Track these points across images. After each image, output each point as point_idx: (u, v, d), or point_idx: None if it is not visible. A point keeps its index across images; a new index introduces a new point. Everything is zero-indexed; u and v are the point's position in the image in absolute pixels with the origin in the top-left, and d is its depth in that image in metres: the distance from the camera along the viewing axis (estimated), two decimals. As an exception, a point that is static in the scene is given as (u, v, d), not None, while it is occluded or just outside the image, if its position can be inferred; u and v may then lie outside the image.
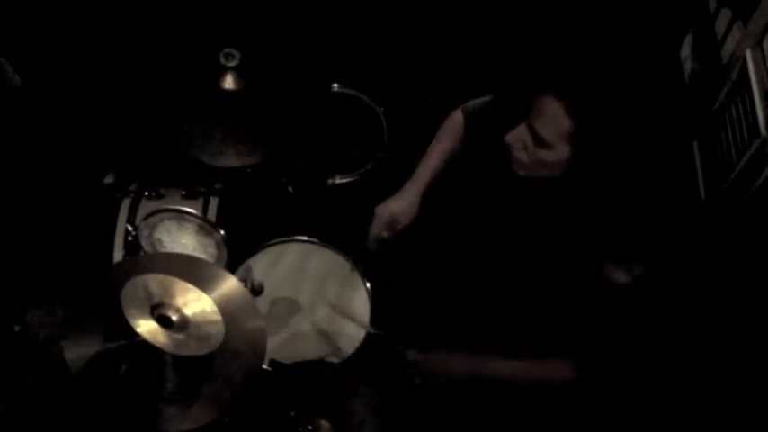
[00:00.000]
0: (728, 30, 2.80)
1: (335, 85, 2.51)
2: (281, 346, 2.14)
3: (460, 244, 2.05)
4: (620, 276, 1.77)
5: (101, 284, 1.77)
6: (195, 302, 1.66)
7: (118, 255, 2.23)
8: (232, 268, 2.15)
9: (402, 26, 3.18)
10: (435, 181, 2.12)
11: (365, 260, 2.24)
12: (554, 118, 1.67)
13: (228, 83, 2.14)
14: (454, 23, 3.22)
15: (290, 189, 2.46)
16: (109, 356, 1.66)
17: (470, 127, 2.10)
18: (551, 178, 1.77)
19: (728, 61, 2.73)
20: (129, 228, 2.20)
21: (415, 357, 2.05)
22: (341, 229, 2.33)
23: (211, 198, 2.34)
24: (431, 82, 3.08)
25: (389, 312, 2.16)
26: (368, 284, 2.22)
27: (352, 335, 2.15)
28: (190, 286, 1.67)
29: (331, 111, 2.45)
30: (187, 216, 2.16)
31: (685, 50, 3.13)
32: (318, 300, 2.21)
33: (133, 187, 2.36)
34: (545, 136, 1.69)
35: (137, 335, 1.56)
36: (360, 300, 2.22)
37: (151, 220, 2.14)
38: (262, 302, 2.08)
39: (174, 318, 1.63)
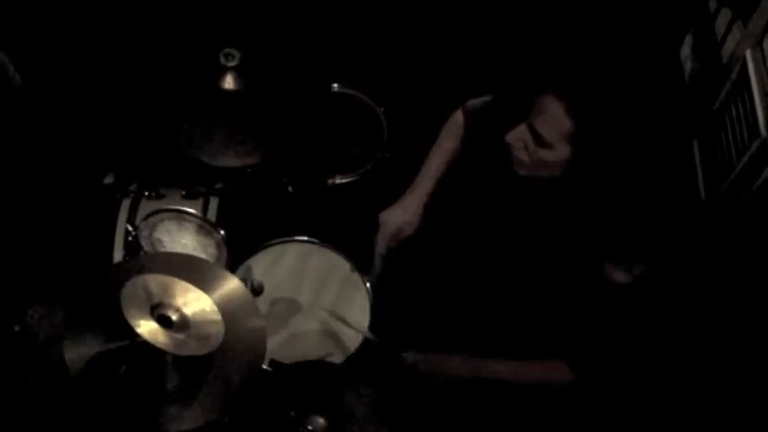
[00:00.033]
0: (728, 30, 2.80)
1: (335, 85, 2.51)
2: (281, 346, 2.14)
3: (461, 244, 2.05)
4: (620, 276, 1.77)
5: (101, 284, 1.77)
6: (195, 302, 1.66)
7: (118, 255, 2.23)
8: (232, 268, 2.14)
9: (402, 26, 3.18)
10: (439, 185, 2.13)
11: (366, 261, 2.24)
12: (554, 118, 1.67)
13: (228, 83, 2.14)
14: (454, 23, 3.22)
15: (290, 189, 2.46)
16: (109, 356, 1.66)
17: (471, 127, 2.10)
18: (551, 178, 1.77)
19: (728, 61, 2.73)
20: (129, 228, 2.20)
21: (415, 359, 2.05)
22: (341, 229, 2.33)
23: (211, 198, 2.34)
24: (431, 82, 3.08)
25: (390, 314, 2.16)
26: (368, 284, 2.22)
27: (352, 335, 2.15)
28: (190, 286, 1.67)
29: (331, 111, 2.45)
30: (187, 216, 2.16)
31: (685, 50, 3.13)
32: (318, 300, 2.21)
33: (133, 187, 2.36)
34: (545, 136, 1.69)
35: (137, 335, 1.56)
36: (360, 300, 2.22)
37: (151, 220, 2.14)
38: (262, 302, 2.08)
39: (174, 318, 1.63)
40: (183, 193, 2.34)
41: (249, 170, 2.31)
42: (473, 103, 2.13)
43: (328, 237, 2.28)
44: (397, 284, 2.20)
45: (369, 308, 2.20)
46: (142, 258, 2.08)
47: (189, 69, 2.19)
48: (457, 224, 2.06)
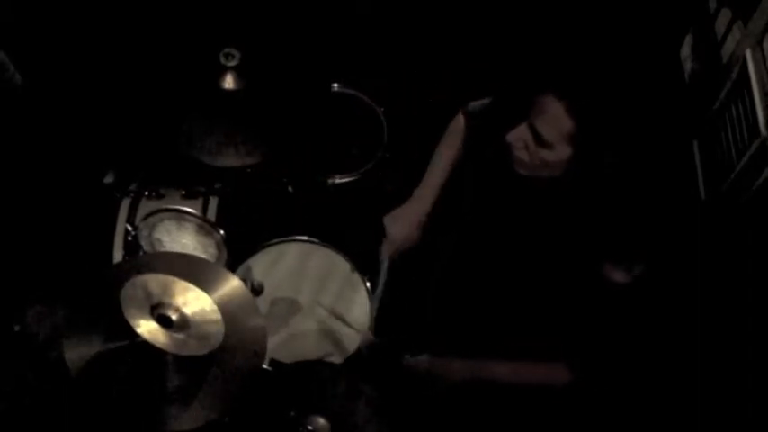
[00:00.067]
0: (728, 30, 2.79)
1: (335, 85, 2.51)
2: (282, 345, 2.14)
3: (461, 244, 2.06)
4: (620, 276, 1.77)
5: (101, 284, 1.77)
6: (195, 302, 1.66)
7: (118, 255, 2.23)
8: (232, 268, 2.14)
9: (402, 26, 3.18)
10: (442, 191, 2.14)
11: (366, 261, 2.25)
12: (555, 118, 1.67)
13: (228, 83, 2.14)
14: (454, 23, 3.22)
15: (290, 189, 2.46)
16: (109, 356, 1.66)
17: (472, 129, 2.10)
18: (552, 178, 1.77)
19: (728, 61, 2.73)
20: (129, 228, 2.20)
21: (415, 362, 2.05)
22: (341, 229, 2.33)
23: (211, 198, 2.34)
24: (431, 82, 3.08)
25: (395, 318, 2.16)
26: (368, 284, 2.22)
27: (351, 335, 2.15)
28: (190, 286, 1.67)
29: (331, 111, 2.45)
30: (187, 216, 2.16)
31: (685, 50, 3.13)
32: (318, 300, 2.21)
33: (133, 187, 2.36)
34: (546, 135, 1.70)
35: (137, 335, 1.56)
36: (360, 300, 2.22)
37: (151, 219, 2.14)
38: (262, 302, 2.08)
39: (174, 317, 1.63)
40: (183, 192, 2.34)
41: (249, 170, 2.31)
42: (473, 105, 2.13)
43: (328, 237, 2.28)
44: (400, 290, 2.20)
45: (369, 308, 2.20)
46: (142, 258, 2.08)
47: (189, 69, 2.18)
48: (457, 226, 2.06)
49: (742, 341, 2.35)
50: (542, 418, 2.03)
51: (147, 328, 1.57)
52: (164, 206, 2.17)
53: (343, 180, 2.40)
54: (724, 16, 2.85)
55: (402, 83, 3.00)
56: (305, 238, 2.28)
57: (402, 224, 2.13)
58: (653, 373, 2.34)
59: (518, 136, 1.75)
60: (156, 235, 2.16)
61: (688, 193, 2.86)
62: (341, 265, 2.26)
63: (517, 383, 1.94)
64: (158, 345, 1.57)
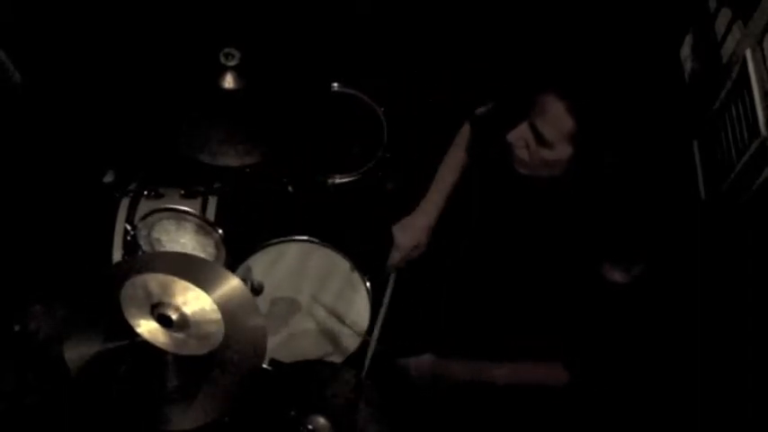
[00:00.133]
0: (728, 30, 2.79)
1: (335, 84, 2.51)
2: (282, 345, 2.14)
3: (469, 249, 2.06)
4: (620, 276, 1.77)
5: (100, 284, 1.77)
6: (195, 301, 1.66)
7: (117, 254, 2.23)
8: (231, 268, 2.14)
9: (402, 26, 3.18)
10: (449, 200, 2.14)
11: (366, 261, 2.25)
12: (556, 117, 1.67)
13: (228, 82, 2.14)
14: (454, 23, 3.22)
15: (289, 189, 2.46)
16: (109, 356, 1.66)
17: (477, 134, 2.11)
18: (552, 177, 1.77)
19: (728, 61, 2.73)
20: (128, 227, 2.19)
21: (416, 364, 2.06)
22: (341, 229, 2.33)
23: (210, 197, 2.34)
24: (431, 82, 3.08)
25: (399, 324, 2.16)
26: (368, 284, 2.22)
27: (351, 334, 2.15)
28: (189, 285, 1.67)
29: (331, 111, 2.45)
30: (186, 215, 2.16)
31: (685, 50, 3.13)
32: (318, 299, 2.21)
33: (132, 186, 2.36)
34: (546, 135, 1.70)
35: (137, 334, 1.56)
36: (360, 300, 2.22)
37: (150, 219, 2.13)
38: (262, 302, 2.08)
39: (174, 317, 1.63)
40: (182, 192, 2.33)
41: (248, 170, 2.31)
42: (479, 111, 2.14)
43: (328, 237, 2.28)
44: (408, 297, 2.20)
45: (369, 308, 2.20)
46: (141, 258, 2.08)
47: (189, 69, 2.18)
48: (466, 232, 2.07)
49: (742, 341, 2.35)
50: (542, 419, 2.03)
51: (146, 327, 1.57)
52: (163, 206, 2.17)
53: (343, 180, 2.40)
54: (724, 16, 2.85)
55: (402, 83, 3.00)
56: (305, 237, 2.28)
57: (411, 233, 2.15)
58: (653, 373, 2.34)
59: (519, 135, 1.75)
60: (155, 234, 2.16)
61: (688, 193, 2.86)
62: (341, 264, 2.26)
63: (517, 384, 1.94)
64: (158, 344, 1.57)
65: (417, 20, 3.19)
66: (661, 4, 3.08)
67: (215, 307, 1.67)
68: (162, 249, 2.14)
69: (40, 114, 2.71)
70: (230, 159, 2.12)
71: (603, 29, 3.07)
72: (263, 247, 2.27)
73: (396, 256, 2.16)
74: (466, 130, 2.15)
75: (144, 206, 2.28)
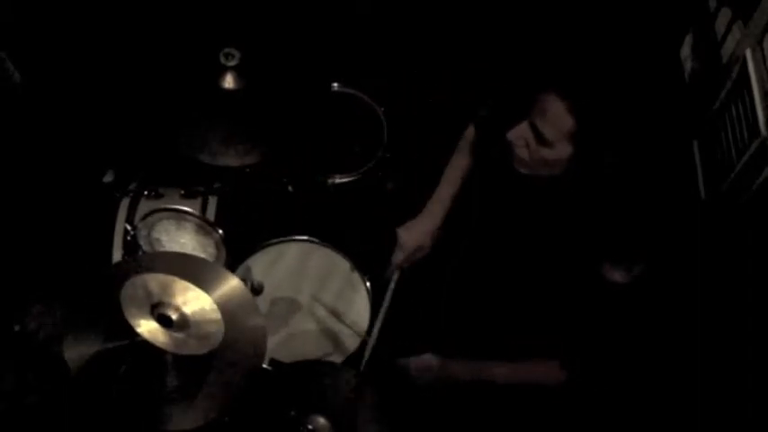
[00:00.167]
0: (728, 30, 2.79)
1: (335, 84, 2.51)
2: (281, 345, 2.14)
3: (470, 249, 2.06)
4: (620, 276, 1.77)
5: (100, 284, 1.77)
6: (195, 301, 1.66)
7: (117, 254, 2.23)
8: (231, 268, 2.14)
9: (402, 26, 3.18)
10: (454, 202, 2.14)
11: (366, 261, 2.25)
12: (556, 116, 1.67)
13: (228, 82, 2.14)
14: (454, 23, 3.22)
15: (289, 189, 2.46)
16: (109, 356, 1.66)
17: (480, 135, 2.11)
18: (552, 177, 1.77)
19: (728, 61, 2.73)
20: (128, 227, 2.19)
21: (416, 364, 2.06)
22: (341, 229, 2.33)
23: (210, 197, 2.34)
24: (431, 82, 3.08)
25: (399, 325, 2.16)
26: (368, 284, 2.22)
27: (352, 334, 2.15)
28: (189, 285, 1.67)
29: (331, 110, 2.44)
30: (186, 215, 2.15)
31: (685, 50, 3.13)
32: (318, 299, 2.21)
33: (132, 186, 2.36)
34: (546, 134, 1.70)
35: (136, 334, 1.56)
36: (360, 299, 2.22)
37: (149, 219, 2.13)
38: (262, 302, 2.08)
39: (174, 317, 1.63)
40: (182, 192, 2.33)
41: (248, 170, 2.31)
42: (483, 112, 2.14)
43: (328, 237, 2.28)
44: (410, 298, 2.20)
45: (369, 308, 2.20)
46: (141, 258, 2.08)
47: (189, 69, 2.18)
48: (467, 232, 2.07)
49: (742, 341, 2.35)
50: (542, 419, 2.03)
51: (146, 327, 1.57)
52: (163, 206, 2.17)
53: (344, 180, 2.40)
54: (724, 16, 2.85)
55: (402, 83, 3.00)
56: (305, 237, 2.28)
57: (416, 235, 2.15)
58: (652, 373, 2.34)
59: (519, 134, 1.75)
60: (156, 234, 2.16)
61: (688, 193, 2.86)
62: (341, 264, 2.26)
63: (516, 383, 1.94)
64: (158, 344, 1.57)
65: (417, 20, 3.19)
66: (661, 4, 3.08)
67: (215, 307, 1.67)
68: (162, 249, 2.14)
69: (40, 114, 2.71)
70: (230, 159, 2.12)
71: (603, 29, 3.07)
72: (263, 247, 2.27)
73: (399, 258, 2.16)
74: (470, 133, 2.15)
75: (144, 206, 2.27)
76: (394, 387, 1.99)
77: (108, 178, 2.57)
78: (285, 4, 2.99)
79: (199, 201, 2.32)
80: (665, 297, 2.17)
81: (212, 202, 2.33)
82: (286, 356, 2.05)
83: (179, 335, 1.60)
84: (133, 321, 1.56)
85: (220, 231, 2.14)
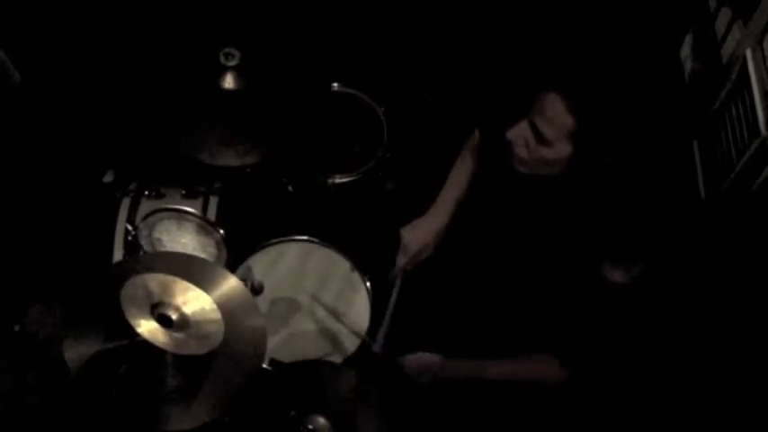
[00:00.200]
0: (728, 29, 2.79)
1: (335, 84, 2.50)
2: (282, 345, 2.14)
3: (474, 248, 2.07)
4: (619, 276, 1.77)
5: (101, 284, 1.77)
6: (195, 301, 1.66)
7: (118, 254, 2.23)
8: (232, 268, 2.14)
9: (402, 26, 3.18)
10: (459, 204, 2.14)
11: (366, 261, 2.25)
12: (556, 115, 1.67)
13: (228, 82, 2.14)
14: (454, 23, 3.22)
15: (290, 189, 2.46)
16: (109, 356, 1.66)
17: (484, 138, 2.12)
18: (552, 176, 1.77)
19: (728, 61, 2.73)
20: (129, 227, 2.20)
21: (409, 362, 2.06)
22: (341, 229, 2.33)
23: (211, 197, 2.34)
24: (431, 82, 3.08)
25: (404, 328, 2.16)
26: (368, 284, 2.22)
27: (352, 335, 2.15)
28: (190, 285, 1.67)
29: (331, 110, 2.44)
30: (187, 215, 2.16)
31: (685, 50, 3.13)
32: (318, 299, 2.21)
33: (133, 186, 2.36)
34: (546, 133, 1.70)
35: (137, 334, 1.56)
36: (360, 299, 2.22)
37: (151, 219, 2.13)
38: (262, 302, 2.08)
39: (174, 317, 1.63)
40: (183, 192, 2.33)
41: (249, 170, 2.31)
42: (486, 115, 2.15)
43: (328, 236, 2.28)
44: (414, 300, 2.20)
45: (369, 308, 2.20)
46: (142, 258, 2.08)
47: (189, 69, 2.18)
48: (471, 233, 2.07)
49: (742, 341, 2.35)
50: (542, 419, 2.03)
51: (147, 327, 1.57)
52: (164, 206, 2.17)
53: (344, 180, 2.39)
54: (724, 16, 2.85)
55: (402, 83, 3.00)
56: (305, 237, 2.28)
57: (420, 235, 2.15)
58: (652, 373, 2.34)
59: (518, 133, 1.76)
60: (156, 234, 2.16)
61: (688, 193, 2.86)
62: (341, 264, 2.26)
63: (516, 380, 1.95)
64: (158, 344, 1.57)
65: (417, 20, 3.19)
66: (661, 4, 3.08)
67: (215, 307, 1.67)
68: (163, 249, 2.14)
69: (40, 114, 2.71)
70: (230, 159, 2.12)
71: (603, 29, 3.07)
72: (264, 247, 2.27)
73: (403, 259, 2.16)
74: (475, 137, 2.16)
75: (145, 206, 2.28)
76: (394, 387, 1.99)
77: (108, 178, 2.56)
78: (285, 4, 3.00)
79: (200, 201, 2.33)
80: (665, 297, 2.17)
81: (213, 202, 2.34)
82: (286, 356, 2.05)
83: (179, 335, 1.60)
84: (133, 321, 1.56)
85: (221, 231, 2.14)
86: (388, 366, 2.09)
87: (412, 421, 1.91)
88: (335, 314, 2.16)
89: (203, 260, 2.02)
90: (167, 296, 1.64)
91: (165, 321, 1.61)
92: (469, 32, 3.20)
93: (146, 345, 1.57)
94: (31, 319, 2.21)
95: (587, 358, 1.86)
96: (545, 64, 2.00)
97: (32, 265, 2.43)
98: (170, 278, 1.66)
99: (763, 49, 2.55)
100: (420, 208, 2.22)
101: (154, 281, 1.64)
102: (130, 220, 2.25)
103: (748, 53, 2.55)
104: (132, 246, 2.16)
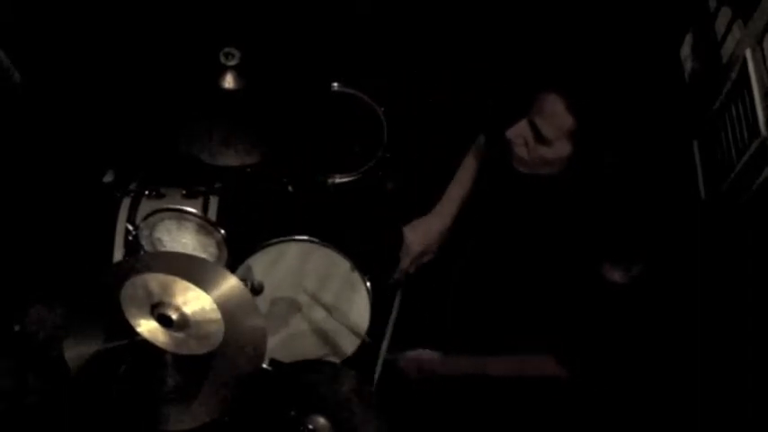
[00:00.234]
0: (728, 29, 2.79)
1: (335, 84, 2.51)
2: (281, 345, 2.14)
3: (476, 247, 2.07)
4: (619, 276, 1.77)
5: (101, 284, 1.77)
6: (195, 301, 1.66)
7: (118, 254, 2.23)
8: (232, 268, 2.14)
9: (402, 26, 3.18)
10: (463, 206, 2.15)
11: (366, 261, 2.25)
12: (555, 115, 1.67)
13: (228, 82, 2.14)
14: (454, 23, 3.22)
15: (289, 189, 2.46)
16: (109, 356, 1.66)
17: (488, 141, 2.12)
18: (551, 176, 1.77)
19: (728, 61, 2.73)
20: (130, 227, 2.20)
21: (405, 360, 2.06)
22: (341, 229, 2.33)
23: (211, 197, 2.34)
24: (431, 82, 3.08)
25: (413, 325, 2.16)
26: (368, 284, 2.22)
27: (352, 335, 2.15)
28: (190, 285, 1.67)
29: (331, 110, 2.45)
30: (187, 215, 2.16)
31: (685, 50, 3.12)
32: (318, 299, 2.21)
33: (133, 186, 2.36)
34: (545, 132, 1.70)
35: (137, 334, 1.56)
36: (360, 299, 2.22)
37: (151, 219, 2.14)
38: (262, 302, 2.08)
39: (174, 317, 1.63)
40: (184, 192, 2.34)
41: (249, 170, 2.31)
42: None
43: (328, 236, 2.28)
44: (416, 298, 2.20)
45: (369, 308, 2.20)
46: (142, 258, 2.08)
47: (189, 69, 2.18)
48: (474, 233, 2.08)
49: (742, 341, 2.35)
50: (542, 419, 2.03)
51: (147, 327, 1.57)
52: (164, 206, 2.17)
53: (344, 180, 2.39)
54: (724, 16, 2.85)
55: (402, 83, 3.00)
56: (305, 237, 2.28)
57: (423, 234, 2.15)
58: (652, 373, 2.34)
59: (518, 132, 1.76)
60: (157, 234, 2.16)
61: (688, 193, 2.86)
62: (341, 264, 2.26)
63: (516, 377, 1.95)
64: (158, 344, 1.57)
65: (417, 20, 3.19)
66: (661, 4, 3.08)
67: (215, 307, 1.67)
68: (163, 249, 2.14)
69: (40, 114, 2.71)
70: (231, 159, 2.12)
71: (603, 28, 3.07)
72: (264, 247, 2.26)
73: (406, 261, 2.16)
74: (481, 140, 2.16)
75: (145, 206, 2.28)
76: (394, 387, 1.99)
77: (108, 178, 2.56)
78: (285, 4, 3.00)
79: (200, 201, 2.33)
80: (665, 297, 2.17)
81: (214, 202, 2.34)
82: (286, 356, 2.05)
83: (179, 335, 1.60)
84: (133, 321, 1.56)
85: (222, 231, 2.14)
86: (388, 364, 2.09)
87: (412, 421, 1.91)
88: (335, 314, 2.16)
89: (203, 260, 2.02)
90: (167, 296, 1.64)
91: (165, 321, 1.61)
92: (469, 32, 3.20)
93: (146, 345, 1.57)
94: (31, 319, 2.21)
95: (587, 358, 1.86)
96: (545, 64, 2.00)
97: (32, 265, 2.43)
98: (170, 278, 1.66)
99: (763, 49, 2.55)
100: (420, 208, 2.22)
101: (154, 281, 1.64)
102: (131, 219, 2.25)
103: (748, 53, 2.55)
104: (133, 246, 2.16)
